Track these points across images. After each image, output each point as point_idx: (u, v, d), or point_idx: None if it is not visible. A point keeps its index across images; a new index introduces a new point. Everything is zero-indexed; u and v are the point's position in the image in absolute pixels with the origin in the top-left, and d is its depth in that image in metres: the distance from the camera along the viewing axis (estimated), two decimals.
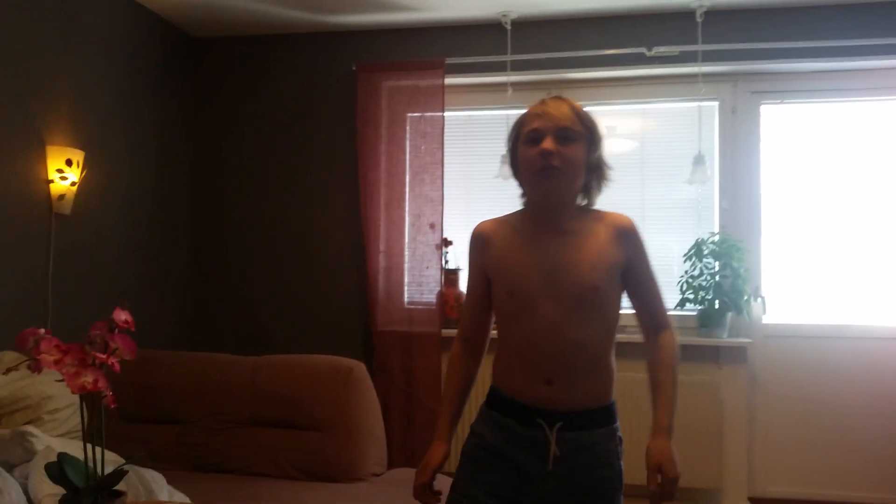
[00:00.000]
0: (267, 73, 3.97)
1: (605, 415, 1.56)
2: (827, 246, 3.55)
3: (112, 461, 1.44)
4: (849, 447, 3.40)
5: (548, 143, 1.52)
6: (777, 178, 3.60)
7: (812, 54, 3.41)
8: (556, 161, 1.52)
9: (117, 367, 1.30)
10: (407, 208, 3.71)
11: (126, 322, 1.33)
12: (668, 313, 1.63)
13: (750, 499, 3.43)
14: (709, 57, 3.46)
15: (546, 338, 1.52)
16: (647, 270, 1.61)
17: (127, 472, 1.38)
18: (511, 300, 1.56)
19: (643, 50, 3.52)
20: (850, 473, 3.39)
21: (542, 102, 1.59)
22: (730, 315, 3.41)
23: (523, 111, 1.63)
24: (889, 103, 3.52)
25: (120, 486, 1.37)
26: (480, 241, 1.64)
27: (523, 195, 1.65)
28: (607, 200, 1.64)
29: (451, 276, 3.68)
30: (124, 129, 3.46)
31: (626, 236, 1.58)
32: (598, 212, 1.62)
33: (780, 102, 3.62)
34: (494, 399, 1.61)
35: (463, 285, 3.68)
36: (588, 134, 1.56)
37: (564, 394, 1.52)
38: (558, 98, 1.59)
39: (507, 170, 1.68)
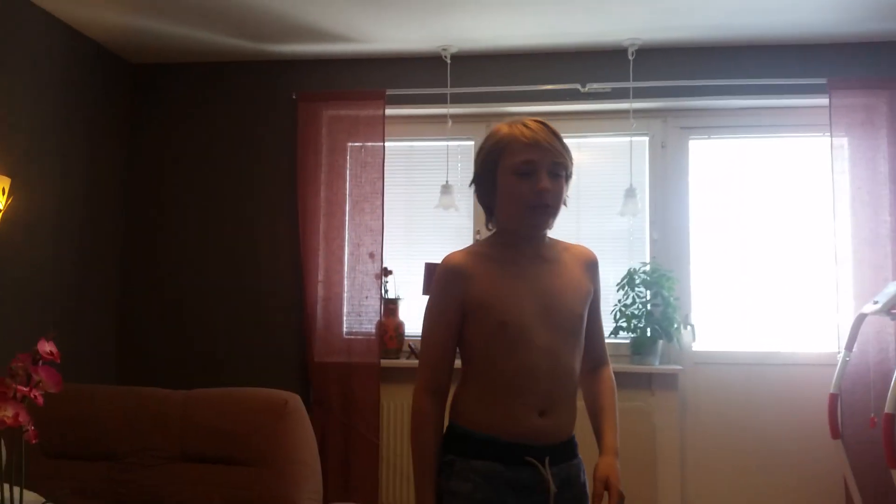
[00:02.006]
0: (206, 100, 3.93)
1: (575, 445, 1.58)
2: (753, 275, 3.69)
3: (32, 501, 1.39)
4: (777, 471, 3.51)
5: (545, 182, 1.47)
6: (705, 210, 3.75)
7: (737, 92, 3.58)
8: (549, 200, 1.49)
9: (40, 400, 1.26)
10: (346, 237, 3.70)
11: (51, 353, 1.29)
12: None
13: None
14: (640, 94, 3.60)
15: (542, 367, 1.47)
16: (599, 305, 1.66)
17: None
18: (503, 331, 1.47)
19: (577, 86, 3.64)
20: (778, 496, 3.49)
21: (527, 127, 1.50)
22: (661, 343, 3.51)
23: (501, 133, 1.52)
24: (808, 140, 3.71)
25: None
26: (459, 275, 1.51)
27: (494, 222, 1.59)
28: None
29: (390, 305, 3.68)
30: (55, 156, 3.36)
31: (594, 269, 1.63)
32: (561, 242, 1.63)
33: (708, 138, 3.78)
34: (470, 444, 1.49)
35: (403, 315, 3.69)
36: (571, 168, 1.54)
37: (555, 424, 1.50)
38: (542, 124, 1.52)
39: (476, 192, 1.59)
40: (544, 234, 1.58)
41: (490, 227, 1.61)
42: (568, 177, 1.54)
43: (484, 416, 1.48)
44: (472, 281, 1.50)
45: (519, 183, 1.48)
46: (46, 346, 1.29)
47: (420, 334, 1.59)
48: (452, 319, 1.52)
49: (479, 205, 1.62)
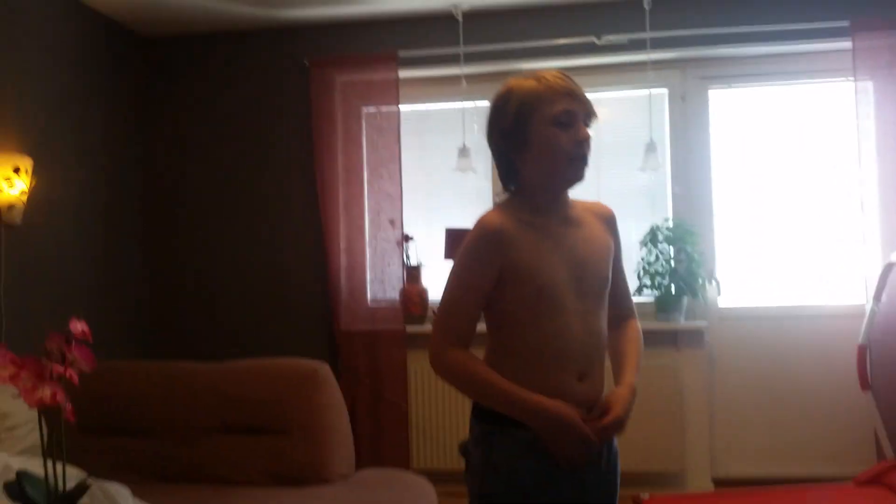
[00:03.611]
0: (218, 71, 3.91)
1: None
2: (778, 228, 3.64)
3: (74, 476, 1.42)
4: (806, 424, 3.50)
5: (585, 131, 1.45)
6: (727, 162, 3.68)
7: (757, 39, 3.48)
8: (588, 151, 1.46)
9: (76, 379, 1.27)
10: (366, 205, 3.69)
11: (83, 333, 1.30)
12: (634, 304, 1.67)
13: (714, 480, 3.51)
14: (657, 44, 3.51)
15: (577, 331, 1.46)
16: (622, 261, 1.63)
17: (90, 486, 1.35)
18: (539, 298, 1.43)
19: (593, 39, 3.56)
20: (808, 450, 3.49)
21: (558, 78, 1.46)
22: (686, 299, 3.48)
23: (529, 85, 1.46)
24: (831, 85, 3.62)
25: (83, 502, 1.35)
26: (501, 239, 1.44)
27: (519, 179, 1.50)
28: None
29: (412, 272, 3.67)
30: (73, 134, 3.37)
31: (613, 224, 1.60)
32: (580, 200, 1.58)
33: (728, 87, 3.70)
34: (508, 416, 1.44)
35: (426, 281, 3.68)
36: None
37: (592, 389, 1.48)
38: (565, 75, 1.48)
39: (502, 147, 1.50)
40: (567, 193, 1.53)
41: (509, 187, 1.53)
42: None
43: (521, 385, 1.42)
44: (513, 246, 1.43)
45: (559, 134, 1.44)
46: (79, 326, 1.30)
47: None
48: (486, 284, 1.44)
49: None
